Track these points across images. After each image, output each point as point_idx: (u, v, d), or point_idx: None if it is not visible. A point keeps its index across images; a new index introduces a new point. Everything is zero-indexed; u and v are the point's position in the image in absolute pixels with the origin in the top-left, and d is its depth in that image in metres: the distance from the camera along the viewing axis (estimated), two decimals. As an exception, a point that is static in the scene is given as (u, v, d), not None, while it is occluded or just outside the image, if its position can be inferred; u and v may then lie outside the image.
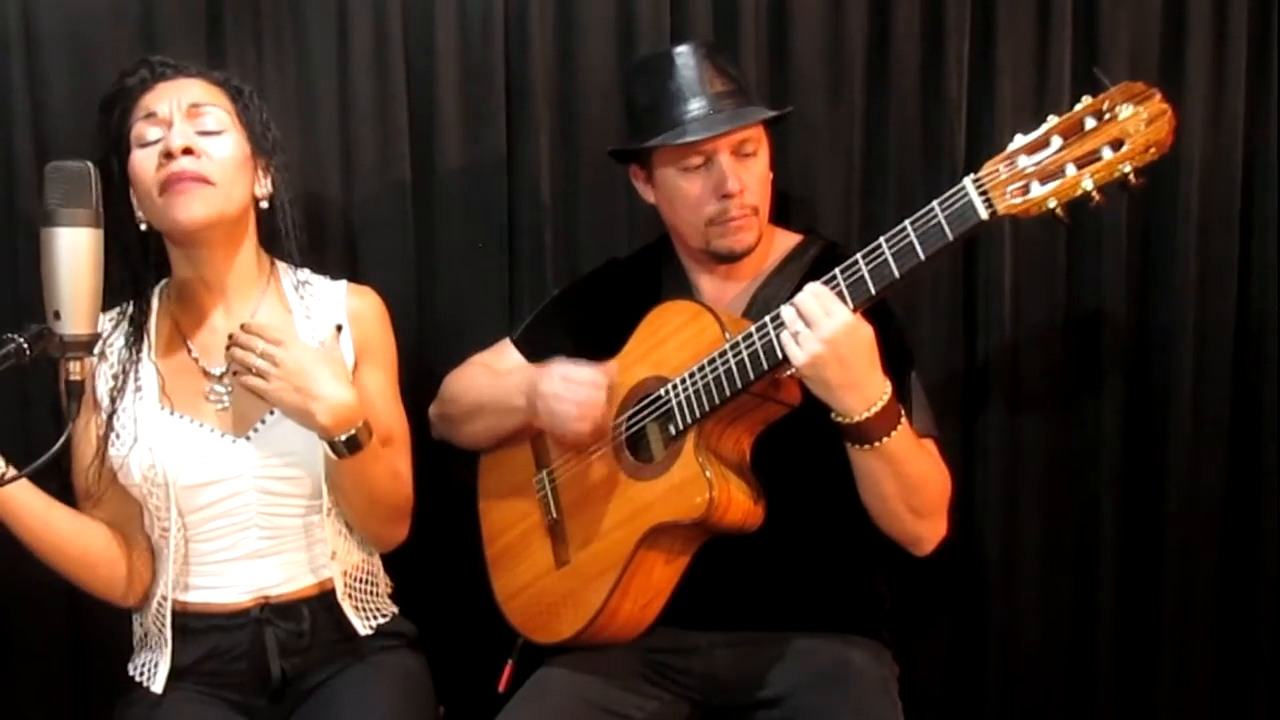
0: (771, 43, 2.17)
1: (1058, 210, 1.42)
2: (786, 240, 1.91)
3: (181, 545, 1.74)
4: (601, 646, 1.80)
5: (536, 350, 1.95)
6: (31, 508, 1.65)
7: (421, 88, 2.15)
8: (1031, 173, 1.42)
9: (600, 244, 2.16)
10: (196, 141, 1.68)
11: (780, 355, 1.57)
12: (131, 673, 1.80)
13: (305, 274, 1.86)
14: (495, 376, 1.93)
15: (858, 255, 1.54)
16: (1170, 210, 2.16)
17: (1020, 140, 1.44)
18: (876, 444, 1.59)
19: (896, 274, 1.51)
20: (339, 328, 1.80)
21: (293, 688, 1.77)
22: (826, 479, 1.70)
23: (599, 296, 1.97)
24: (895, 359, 1.65)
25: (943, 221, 1.47)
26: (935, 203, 1.48)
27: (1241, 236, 2.19)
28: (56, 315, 1.43)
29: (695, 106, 1.78)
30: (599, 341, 1.83)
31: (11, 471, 1.55)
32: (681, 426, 1.68)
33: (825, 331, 1.51)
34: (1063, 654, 2.25)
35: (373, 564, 1.89)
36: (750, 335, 1.61)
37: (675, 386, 1.69)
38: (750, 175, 1.79)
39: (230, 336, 1.68)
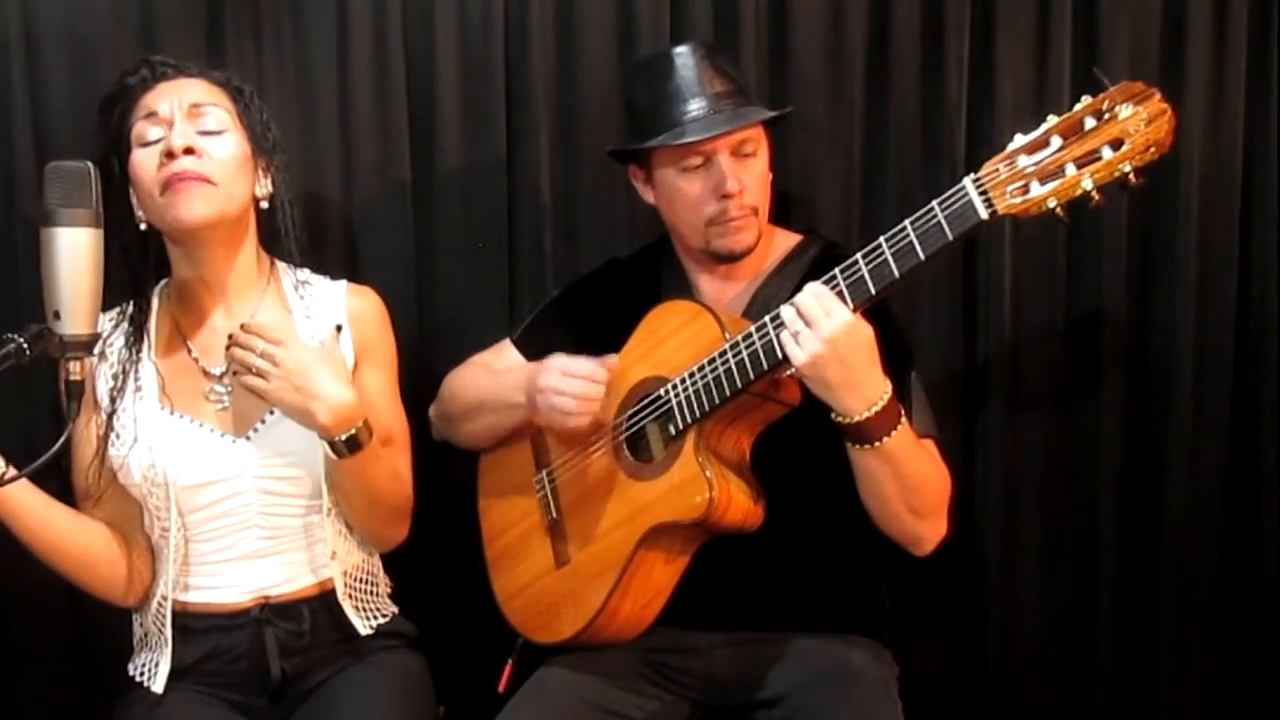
0: (771, 43, 2.17)
1: (1058, 210, 1.42)
2: (786, 240, 1.91)
3: (181, 545, 1.74)
4: (601, 646, 1.80)
5: (536, 350, 1.95)
6: (31, 507, 1.65)
7: (421, 88, 2.15)
8: (1031, 172, 1.42)
9: (600, 244, 2.16)
10: (198, 141, 1.68)
11: (780, 355, 1.57)
12: (131, 673, 1.80)
13: (305, 274, 1.86)
14: (495, 375, 1.93)
15: (857, 255, 1.54)
16: (1170, 210, 2.16)
17: (1020, 140, 1.44)
18: (876, 444, 1.59)
19: (896, 274, 1.51)
20: (339, 328, 1.80)
21: (293, 688, 1.77)
22: (826, 479, 1.70)
23: (599, 296, 1.98)
24: (895, 359, 1.65)
25: (942, 221, 1.47)
26: (935, 202, 1.48)
27: (1241, 236, 2.18)
28: (56, 315, 1.43)
29: (695, 107, 1.77)
30: (599, 341, 1.83)
31: (11, 471, 1.55)
32: (681, 426, 1.68)
33: (825, 331, 1.51)
34: (1063, 654, 2.25)
35: (373, 564, 1.89)
36: (750, 335, 1.61)
37: (675, 386, 1.69)
38: (750, 175, 1.79)
39: (230, 336, 1.68)
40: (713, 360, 1.65)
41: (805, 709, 1.71)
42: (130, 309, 1.79)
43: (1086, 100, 1.41)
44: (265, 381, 1.65)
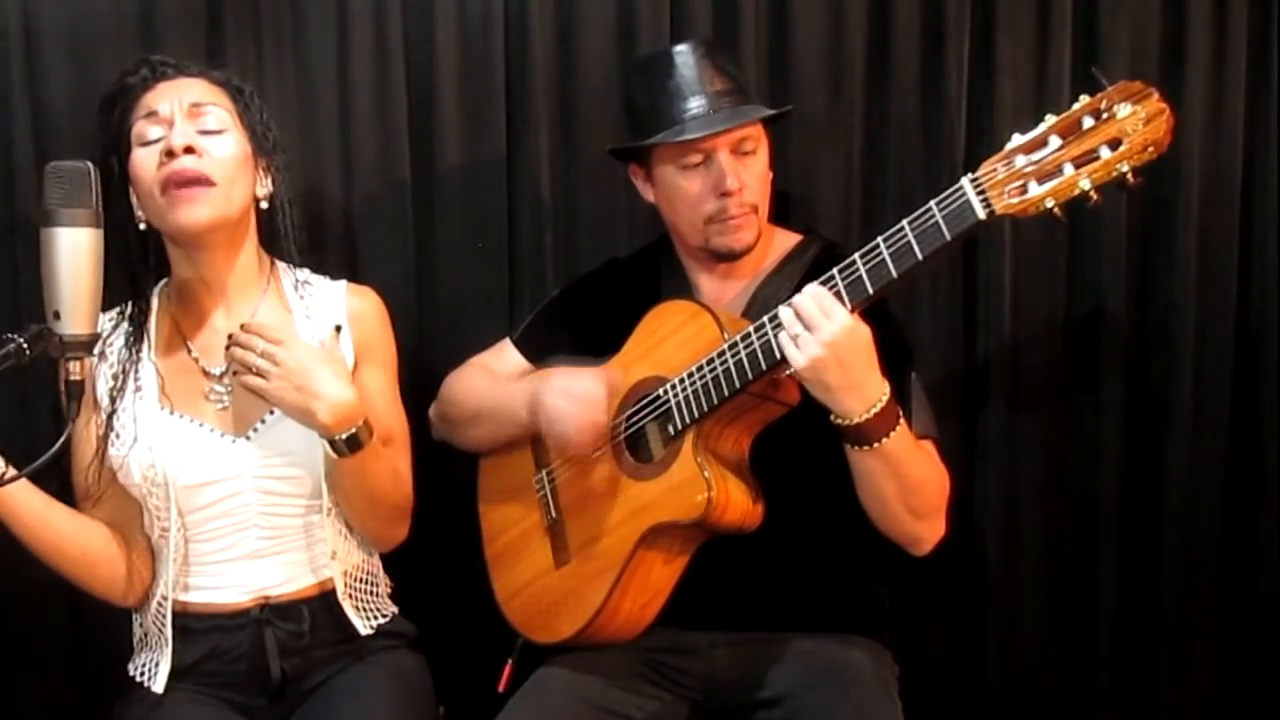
0: (771, 43, 2.17)
1: (1055, 210, 1.42)
2: (786, 240, 1.91)
3: (181, 545, 1.74)
4: (601, 646, 1.80)
5: (537, 350, 1.95)
6: (31, 507, 1.65)
7: (421, 88, 2.15)
8: (1029, 172, 1.42)
9: (600, 244, 2.16)
10: (198, 140, 1.68)
11: (778, 355, 1.57)
12: (132, 673, 1.80)
13: (305, 274, 1.86)
14: (496, 382, 1.93)
15: (855, 255, 1.54)
16: (1170, 210, 2.16)
17: (1018, 139, 1.43)
18: (875, 445, 1.59)
19: (894, 274, 1.50)
20: (338, 328, 1.80)
21: (293, 688, 1.76)
22: (826, 479, 1.70)
23: (599, 296, 1.97)
24: (895, 359, 1.65)
25: (940, 221, 1.47)
26: (933, 202, 1.48)
27: (1241, 236, 2.19)
28: (56, 315, 1.43)
29: (694, 105, 1.77)
30: (599, 341, 1.84)
31: (11, 471, 1.55)
32: (680, 426, 1.68)
33: (826, 335, 1.51)
34: (1063, 654, 2.25)
35: (373, 564, 1.89)
36: (748, 335, 1.61)
37: (674, 386, 1.69)
38: (749, 174, 1.79)
39: (230, 336, 1.68)
40: (711, 360, 1.65)
41: (805, 709, 1.71)
42: (130, 309, 1.79)
43: (1084, 100, 1.40)
44: (266, 381, 1.64)
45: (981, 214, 1.44)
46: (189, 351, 1.78)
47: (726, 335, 1.65)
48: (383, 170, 2.14)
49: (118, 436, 1.72)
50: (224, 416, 1.75)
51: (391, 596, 1.91)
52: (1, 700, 2.12)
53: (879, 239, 1.52)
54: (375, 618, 1.84)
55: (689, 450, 1.67)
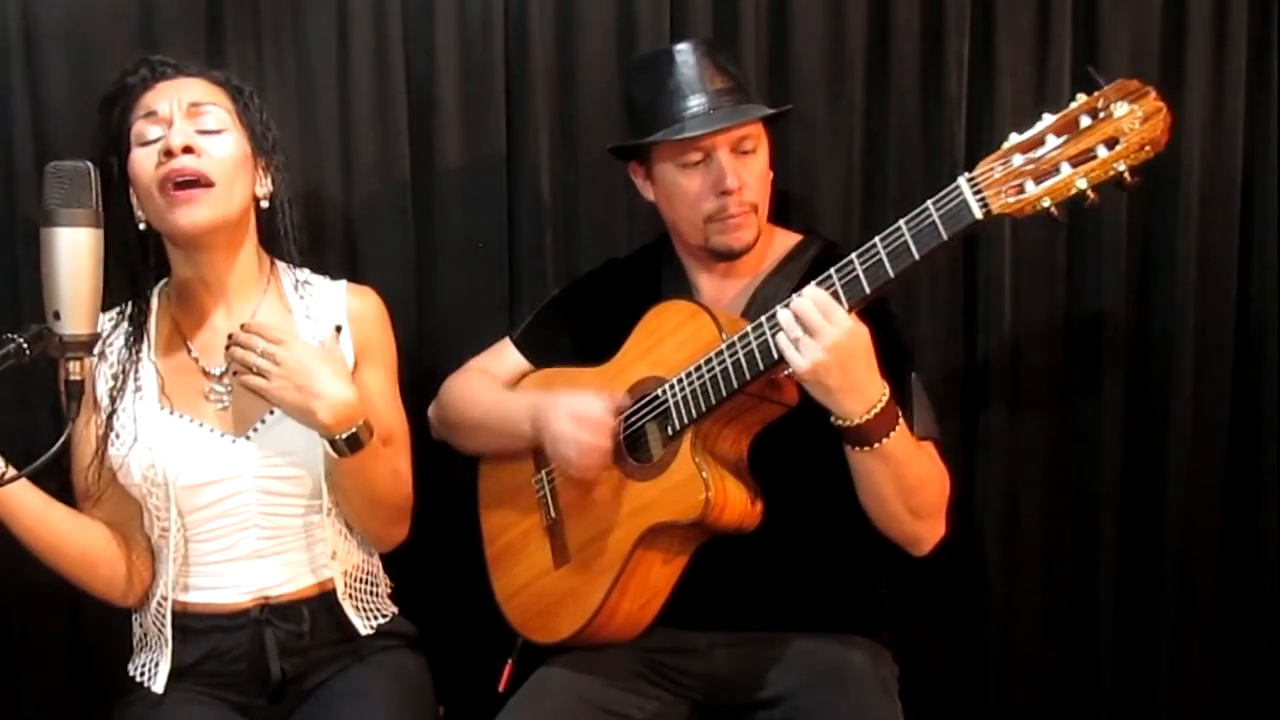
0: (771, 43, 2.17)
1: (1052, 209, 1.41)
2: (786, 240, 1.91)
3: (181, 545, 1.74)
4: (601, 646, 1.80)
5: (536, 350, 1.96)
6: (31, 507, 1.65)
7: (421, 88, 2.15)
8: (1026, 171, 1.41)
9: (600, 244, 2.16)
10: (197, 140, 1.68)
11: (775, 355, 1.57)
12: (131, 673, 1.80)
13: (305, 274, 1.87)
14: (497, 390, 1.93)
15: (852, 255, 1.54)
16: (1170, 210, 2.16)
17: (1015, 139, 1.43)
18: (875, 445, 1.59)
19: (891, 274, 1.50)
20: (338, 328, 1.80)
21: (293, 688, 1.77)
22: (825, 479, 1.70)
23: (599, 296, 1.97)
24: (894, 360, 1.65)
25: (937, 221, 1.46)
26: (930, 202, 1.48)
27: (1241, 236, 2.19)
28: (56, 315, 1.43)
29: (695, 103, 1.78)
30: (598, 341, 1.84)
31: (11, 471, 1.55)
32: (678, 426, 1.68)
33: (828, 339, 1.50)
34: (1063, 654, 2.25)
35: (373, 564, 1.89)
36: (746, 335, 1.61)
37: (672, 386, 1.69)
38: (749, 173, 1.79)
39: (230, 336, 1.68)
40: (709, 360, 1.65)
41: (805, 709, 1.71)
42: (130, 309, 1.80)
43: (1081, 98, 1.40)
44: (266, 381, 1.65)
45: (978, 213, 1.44)
46: (189, 351, 1.78)
47: (724, 335, 1.65)
48: (383, 170, 2.14)
49: (117, 436, 1.72)
50: (224, 416, 1.76)
51: (391, 596, 1.92)
52: (1, 700, 2.13)
53: (876, 239, 1.52)
54: (375, 618, 1.84)
55: (687, 450, 1.67)
